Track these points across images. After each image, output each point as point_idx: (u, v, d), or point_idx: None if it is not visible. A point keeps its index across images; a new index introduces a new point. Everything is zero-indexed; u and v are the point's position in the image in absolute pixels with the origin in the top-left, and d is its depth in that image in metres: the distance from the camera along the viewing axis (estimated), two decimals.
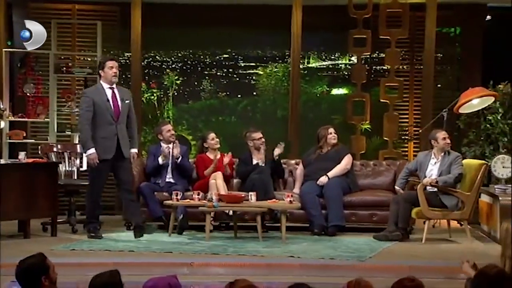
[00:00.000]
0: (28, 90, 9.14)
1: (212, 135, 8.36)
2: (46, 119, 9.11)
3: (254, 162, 8.21)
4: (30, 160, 7.69)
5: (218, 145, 8.33)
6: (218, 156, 8.28)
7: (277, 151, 8.14)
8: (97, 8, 9.60)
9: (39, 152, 8.23)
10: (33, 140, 9.21)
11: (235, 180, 8.34)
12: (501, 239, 4.41)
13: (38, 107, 9.16)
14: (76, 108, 9.20)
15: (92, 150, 7.10)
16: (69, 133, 9.15)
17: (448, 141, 7.55)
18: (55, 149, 8.29)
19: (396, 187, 7.75)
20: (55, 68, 9.12)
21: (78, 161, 8.37)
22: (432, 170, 7.55)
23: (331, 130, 8.24)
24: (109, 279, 3.42)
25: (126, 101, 7.30)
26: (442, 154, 7.55)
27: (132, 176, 7.55)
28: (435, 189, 7.42)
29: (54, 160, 8.05)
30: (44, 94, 9.24)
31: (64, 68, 9.28)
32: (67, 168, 8.25)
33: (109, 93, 7.22)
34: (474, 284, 3.47)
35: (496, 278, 3.41)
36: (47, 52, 9.03)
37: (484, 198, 7.87)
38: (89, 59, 9.56)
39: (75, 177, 8.29)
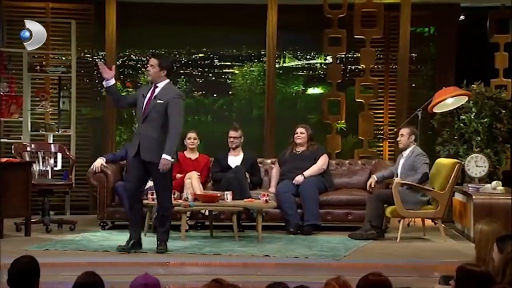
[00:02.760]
0: (2, 89, 9.04)
1: (190, 134, 8.29)
2: (19, 118, 9.02)
3: (230, 161, 8.19)
4: (3, 160, 7.62)
5: (194, 146, 8.30)
6: (197, 155, 8.26)
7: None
8: (71, 6, 9.49)
9: (13, 151, 8.15)
10: (6, 140, 9.11)
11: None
12: (476, 241, 4.43)
13: (12, 106, 9.06)
14: (50, 107, 9.15)
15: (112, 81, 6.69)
16: (43, 132, 9.07)
17: (399, 138, 7.69)
18: (28, 149, 8.23)
19: (373, 175, 7.80)
20: (29, 67, 9.03)
21: (52, 161, 8.31)
22: (400, 168, 7.64)
23: (298, 130, 8.22)
24: (92, 278, 3.44)
25: (159, 101, 6.60)
26: (407, 151, 7.62)
27: (165, 184, 6.70)
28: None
29: (27, 159, 7.98)
30: (18, 93, 9.14)
31: (38, 67, 9.19)
32: (41, 168, 8.19)
33: (151, 90, 6.72)
34: (458, 279, 3.52)
35: (481, 275, 3.47)
36: (20, 50, 8.94)
37: (458, 196, 7.93)
38: (63, 58, 9.48)
39: (49, 177, 8.24)
